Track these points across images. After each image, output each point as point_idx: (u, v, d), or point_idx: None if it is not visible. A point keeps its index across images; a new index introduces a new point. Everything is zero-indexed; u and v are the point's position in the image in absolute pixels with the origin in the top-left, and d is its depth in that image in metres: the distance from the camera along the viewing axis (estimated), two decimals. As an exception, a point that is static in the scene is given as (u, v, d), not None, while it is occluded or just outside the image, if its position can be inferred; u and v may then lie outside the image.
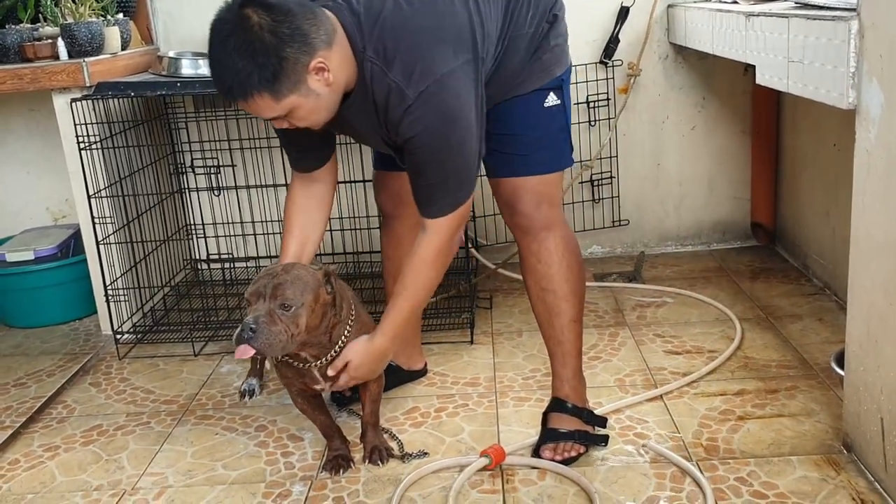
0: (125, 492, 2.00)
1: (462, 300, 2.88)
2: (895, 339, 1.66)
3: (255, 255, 3.33)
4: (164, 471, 2.07)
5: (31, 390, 2.58)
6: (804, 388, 2.23)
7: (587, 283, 2.73)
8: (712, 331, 2.63)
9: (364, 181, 2.97)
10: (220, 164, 3.22)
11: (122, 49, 2.97)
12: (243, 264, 3.38)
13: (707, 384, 2.29)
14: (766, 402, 2.16)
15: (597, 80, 3.22)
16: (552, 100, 1.95)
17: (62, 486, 2.04)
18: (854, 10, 1.73)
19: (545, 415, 2.05)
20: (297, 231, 2.00)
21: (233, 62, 1.60)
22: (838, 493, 1.78)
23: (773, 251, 3.32)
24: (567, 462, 1.95)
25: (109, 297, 2.79)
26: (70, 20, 2.79)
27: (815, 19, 1.88)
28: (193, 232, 3.36)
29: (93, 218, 2.72)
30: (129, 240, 2.87)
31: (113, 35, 2.90)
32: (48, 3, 2.83)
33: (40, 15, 2.98)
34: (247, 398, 2.41)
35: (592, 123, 3.26)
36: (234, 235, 3.34)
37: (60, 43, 2.76)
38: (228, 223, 3.32)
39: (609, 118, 3.25)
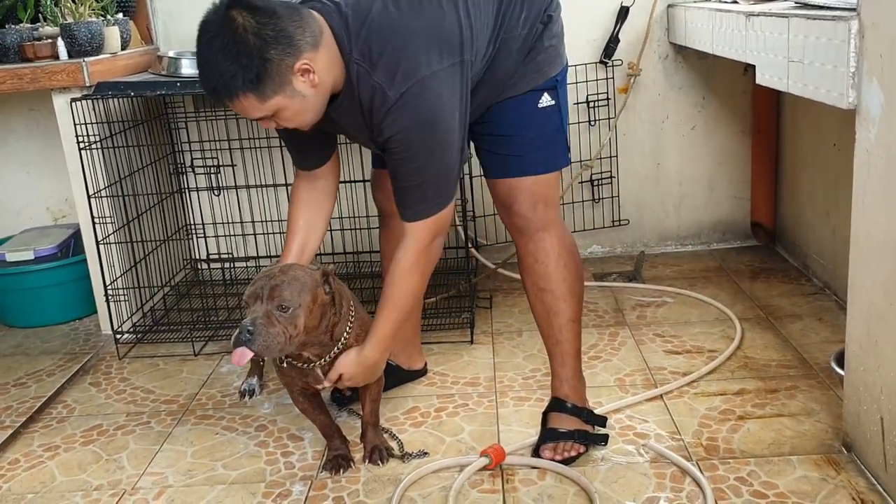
0: (125, 492, 2.00)
1: (462, 300, 2.88)
2: (895, 339, 1.66)
3: (255, 254, 3.33)
4: (164, 470, 2.07)
5: (31, 390, 2.58)
6: (804, 387, 2.23)
7: (587, 283, 2.74)
8: (712, 330, 2.62)
9: (364, 181, 2.97)
10: (220, 163, 3.22)
11: (122, 49, 2.97)
12: (243, 264, 3.38)
13: (707, 384, 2.29)
14: (766, 402, 2.16)
15: (597, 80, 3.22)
16: (546, 100, 1.94)
17: (62, 486, 2.04)
18: (854, 9, 1.73)
19: (545, 414, 2.05)
20: (301, 225, 2.02)
21: (218, 63, 1.61)
22: (838, 493, 1.78)
23: (773, 251, 3.31)
24: (567, 462, 1.95)
25: (109, 297, 2.79)
26: (70, 20, 2.79)
27: (815, 19, 1.88)
28: (193, 232, 3.36)
29: (93, 218, 2.72)
30: (129, 240, 2.87)
31: (113, 35, 2.90)
32: (48, 2, 2.83)
33: (40, 15, 2.98)
34: (247, 398, 2.41)
35: (592, 123, 3.26)
36: (234, 235, 3.34)
37: (60, 43, 2.76)
38: (228, 223, 3.32)
39: (609, 118, 3.25)
